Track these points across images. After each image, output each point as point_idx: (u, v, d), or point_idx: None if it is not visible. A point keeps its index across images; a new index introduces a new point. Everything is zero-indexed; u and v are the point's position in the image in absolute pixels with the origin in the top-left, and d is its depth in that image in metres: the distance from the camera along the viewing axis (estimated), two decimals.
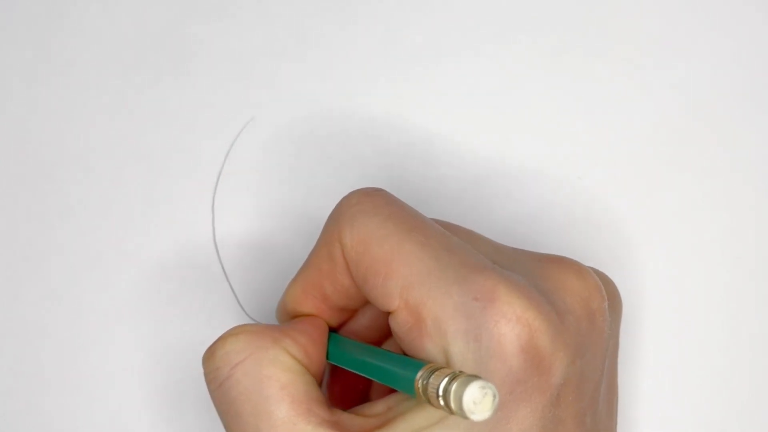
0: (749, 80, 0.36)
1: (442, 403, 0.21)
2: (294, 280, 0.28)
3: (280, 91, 0.36)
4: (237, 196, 0.35)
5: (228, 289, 0.35)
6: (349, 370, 0.27)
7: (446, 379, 0.21)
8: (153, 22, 0.37)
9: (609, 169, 0.35)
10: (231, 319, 0.34)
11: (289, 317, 0.28)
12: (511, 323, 0.23)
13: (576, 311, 0.24)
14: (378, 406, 0.25)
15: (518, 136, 0.36)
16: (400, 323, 0.24)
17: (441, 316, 0.23)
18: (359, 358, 0.26)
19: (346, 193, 0.34)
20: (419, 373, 0.22)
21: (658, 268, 0.35)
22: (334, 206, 0.27)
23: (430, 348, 0.24)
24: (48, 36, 0.37)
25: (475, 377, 0.20)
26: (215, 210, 0.35)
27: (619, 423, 0.28)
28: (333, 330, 0.28)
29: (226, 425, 0.25)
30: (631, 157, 0.35)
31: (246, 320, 0.34)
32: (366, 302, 0.27)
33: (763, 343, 0.34)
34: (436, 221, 0.27)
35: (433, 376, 0.21)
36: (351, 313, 0.28)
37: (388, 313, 0.25)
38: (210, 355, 0.26)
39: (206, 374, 0.26)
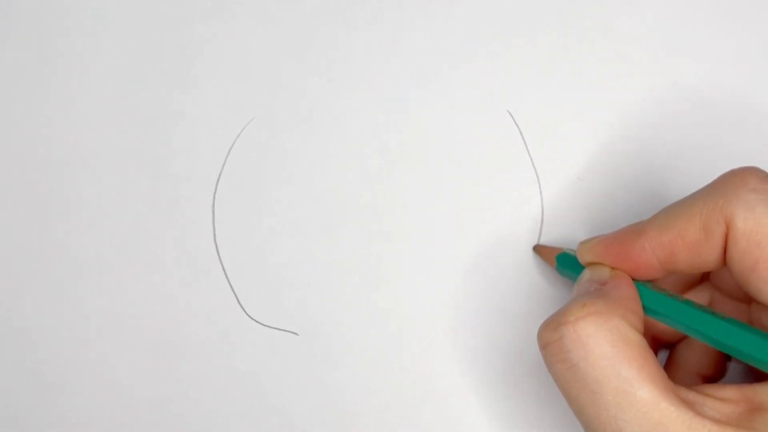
0: (749, 80, 0.36)
1: None
2: (638, 234, 0.27)
3: (280, 91, 0.36)
4: (237, 196, 0.35)
5: (228, 289, 0.35)
6: (692, 334, 0.26)
7: None
8: (154, 22, 0.37)
9: (609, 169, 0.35)
10: (231, 319, 0.34)
11: (601, 259, 0.28)
12: None
13: None
14: (730, 391, 0.25)
15: (518, 136, 0.36)
16: None
17: None
18: (720, 330, 0.25)
19: (345, 193, 0.34)
20: None
21: None
22: (717, 176, 0.26)
23: None
24: (49, 37, 0.37)
25: None
26: (215, 210, 0.35)
27: None
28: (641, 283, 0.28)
29: (577, 402, 0.25)
30: (631, 157, 0.35)
31: (246, 320, 0.34)
32: (697, 278, 0.27)
33: None
34: None
35: None
36: (667, 274, 0.28)
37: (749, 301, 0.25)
38: (558, 338, 0.25)
39: (553, 355, 0.25)
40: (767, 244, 0.24)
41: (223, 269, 0.35)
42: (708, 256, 0.26)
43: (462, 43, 0.37)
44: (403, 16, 0.37)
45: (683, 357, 0.30)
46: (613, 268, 0.28)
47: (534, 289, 0.34)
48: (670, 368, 0.30)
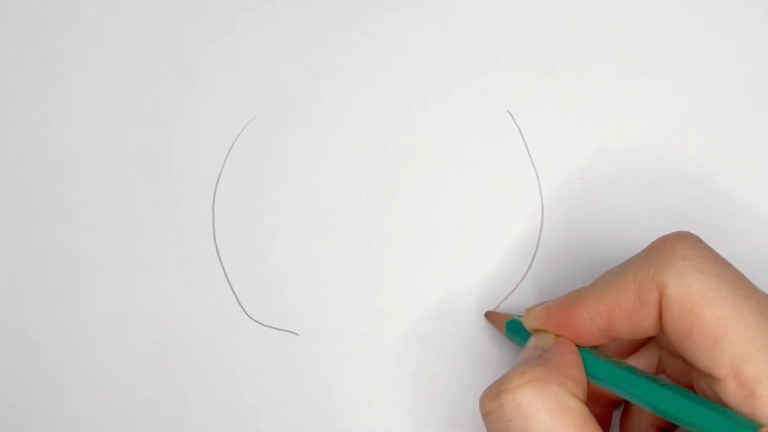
0: (749, 80, 0.36)
1: None
2: (577, 302, 0.28)
3: (280, 91, 0.36)
4: (237, 196, 0.35)
5: (228, 289, 0.35)
6: (636, 402, 0.26)
7: None
8: (154, 23, 0.37)
9: (609, 169, 0.35)
10: (231, 319, 0.34)
11: (545, 326, 0.28)
12: None
13: None
14: None
15: (517, 136, 0.36)
16: (727, 393, 0.24)
17: None
18: (661, 398, 0.25)
19: (345, 193, 0.34)
20: None
21: None
22: (647, 245, 0.26)
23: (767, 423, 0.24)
24: (49, 37, 0.37)
25: None
26: (215, 210, 0.35)
27: None
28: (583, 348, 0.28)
29: None
30: (631, 157, 0.35)
31: (246, 320, 0.34)
32: (643, 340, 0.27)
33: None
34: None
35: None
36: (609, 340, 0.28)
37: (696, 369, 0.25)
38: (498, 407, 0.25)
39: (494, 423, 0.25)
40: (699, 311, 0.24)
41: (223, 269, 0.35)
42: (645, 324, 0.26)
43: (462, 44, 0.37)
44: (403, 16, 0.37)
45: (637, 409, 0.30)
46: (557, 335, 0.28)
47: (534, 297, 0.34)
48: (626, 418, 0.30)
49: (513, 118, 0.36)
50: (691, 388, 0.27)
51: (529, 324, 0.29)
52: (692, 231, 0.35)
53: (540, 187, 0.35)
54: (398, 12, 0.37)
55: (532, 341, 0.29)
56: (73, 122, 0.36)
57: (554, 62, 0.36)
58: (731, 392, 0.24)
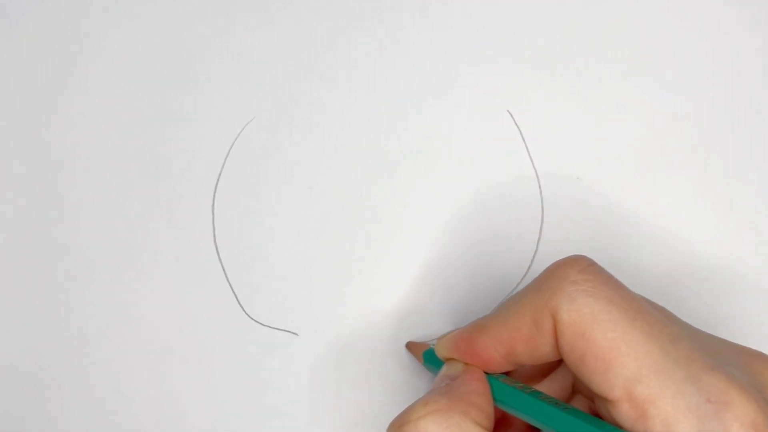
0: (749, 80, 0.36)
1: None
2: (481, 330, 0.28)
3: (280, 91, 0.36)
4: (237, 196, 0.35)
5: (228, 289, 0.35)
6: (538, 425, 0.27)
7: None
8: (154, 23, 0.37)
9: (609, 169, 0.35)
10: (231, 319, 0.34)
11: (453, 355, 0.29)
12: (745, 428, 0.23)
13: None
14: None
15: (517, 136, 0.36)
16: (621, 414, 0.24)
17: (672, 415, 0.23)
18: (560, 421, 0.26)
19: (345, 193, 0.34)
20: None
21: (658, 268, 0.35)
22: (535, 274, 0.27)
23: None
24: (49, 37, 0.37)
25: None
26: (215, 210, 0.35)
27: None
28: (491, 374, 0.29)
29: None
30: (631, 157, 0.35)
31: (246, 320, 0.34)
32: (555, 363, 0.28)
33: (764, 343, 0.34)
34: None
35: None
36: (515, 366, 0.29)
37: (593, 393, 0.25)
38: (399, 426, 0.26)
39: None
40: (590, 335, 0.25)
41: (223, 269, 0.35)
42: (544, 349, 0.26)
43: (462, 44, 0.37)
44: (402, 16, 0.37)
45: None
46: (466, 363, 0.28)
47: None
48: None
49: (513, 118, 0.36)
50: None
51: (440, 353, 0.30)
52: (692, 230, 0.35)
53: (540, 187, 0.35)
54: (398, 12, 0.37)
55: (443, 370, 0.29)
56: (73, 122, 0.36)
57: (554, 62, 0.36)
58: (624, 414, 0.24)
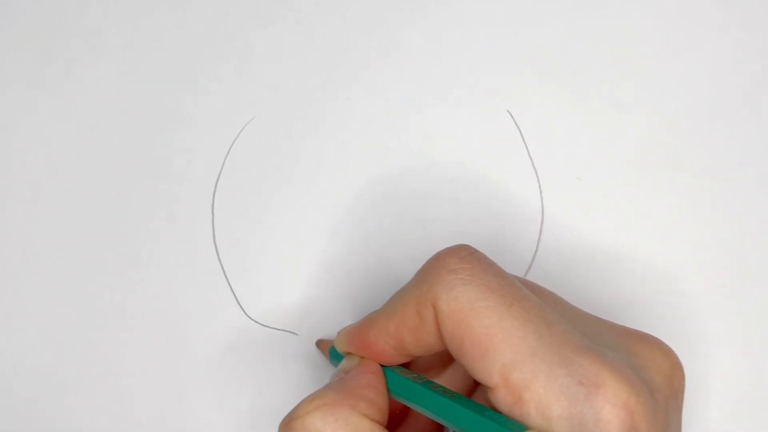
0: (749, 80, 0.36)
1: None
2: (370, 324, 0.28)
3: (280, 91, 0.36)
4: (237, 196, 0.35)
5: (228, 289, 0.35)
6: (428, 415, 0.27)
7: None
8: (154, 23, 0.37)
9: (609, 169, 0.35)
10: (231, 319, 0.34)
11: (349, 349, 0.29)
12: (617, 409, 0.23)
13: (664, 390, 0.25)
14: None
15: (517, 136, 0.36)
16: (499, 400, 0.24)
17: (545, 399, 0.24)
18: (445, 409, 0.26)
19: (345, 193, 0.34)
20: None
21: (658, 268, 0.35)
22: (422, 262, 0.27)
23: (533, 426, 0.24)
24: (49, 37, 0.37)
25: None
26: (215, 210, 0.35)
27: None
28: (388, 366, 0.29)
29: None
30: (631, 157, 0.35)
31: (246, 320, 0.34)
32: (447, 355, 0.27)
33: (764, 346, 0.34)
34: (519, 281, 0.27)
35: None
36: (407, 358, 0.29)
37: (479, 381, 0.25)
38: (287, 422, 0.25)
39: None
40: (469, 323, 0.25)
41: (223, 269, 0.35)
42: (429, 340, 0.26)
43: (462, 44, 0.37)
44: (402, 16, 0.37)
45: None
46: (362, 357, 0.28)
47: None
48: None
49: (513, 118, 0.36)
50: None
51: (338, 348, 0.30)
52: (692, 230, 0.35)
53: (540, 187, 0.35)
54: (398, 12, 0.37)
55: (341, 364, 0.29)
56: (73, 122, 0.36)
57: (554, 62, 0.36)
58: (502, 399, 0.24)
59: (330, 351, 0.31)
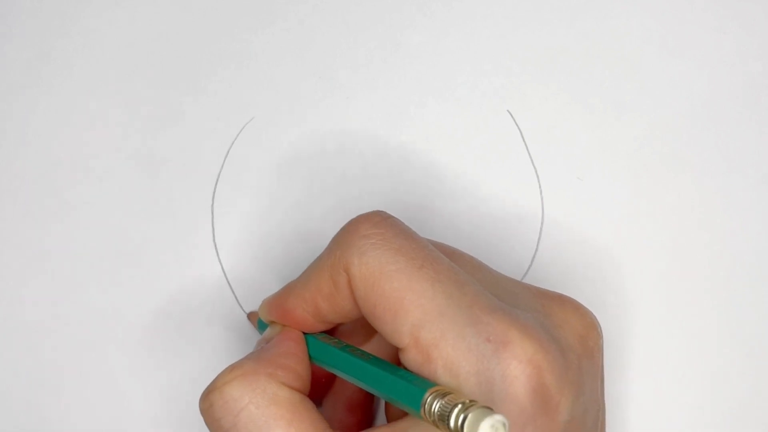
0: (749, 80, 0.36)
1: (451, 427, 0.21)
2: (289, 292, 0.28)
3: (280, 91, 0.36)
4: (237, 196, 0.35)
5: (228, 289, 0.35)
6: (346, 378, 0.27)
7: (460, 406, 0.21)
8: (153, 23, 0.37)
9: (609, 169, 0.35)
10: (231, 319, 0.34)
11: (271, 317, 0.29)
12: (523, 365, 0.23)
13: (577, 349, 0.25)
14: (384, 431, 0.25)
15: (517, 136, 0.36)
16: (409, 360, 0.24)
17: (453, 357, 0.24)
18: (360, 370, 0.26)
19: (344, 193, 0.34)
20: (428, 393, 0.22)
21: (658, 268, 0.35)
22: (337, 225, 0.27)
23: (441, 383, 0.24)
24: (49, 37, 0.37)
25: (490, 409, 0.21)
26: (215, 210, 0.35)
27: None
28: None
29: None
30: (631, 157, 0.35)
31: (246, 320, 0.34)
32: (357, 318, 0.28)
33: (761, 346, 0.34)
34: (435, 244, 0.27)
35: (444, 400, 0.22)
36: (338, 324, 0.29)
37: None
38: (209, 406, 0.25)
39: (208, 424, 0.26)
40: (380, 286, 0.25)
41: (223, 269, 0.35)
42: (345, 305, 0.26)
43: (462, 44, 0.37)
44: (402, 16, 0.37)
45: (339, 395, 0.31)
46: (284, 325, 0.28)
47: None
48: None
49: (513, 118, 0.36)
50: None
51: (261, 317, 0.29)
52: (691, 230, 0.35)
53: (540, 187, 0.35)
54: (398, 12, 0.37)
55: (264, 333, 0.29)
56: (73, 122, 0.36)
57: (554, 62, 0.36)
58: (412, 359, 0.24)
59: (258, 322, 0.31)
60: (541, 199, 0.35)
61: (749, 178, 0.35)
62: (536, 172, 0.35)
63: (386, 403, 0.30)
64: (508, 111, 0.36)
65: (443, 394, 0.22)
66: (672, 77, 0.36)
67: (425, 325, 0.24)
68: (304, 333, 0.28)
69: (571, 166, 0.35)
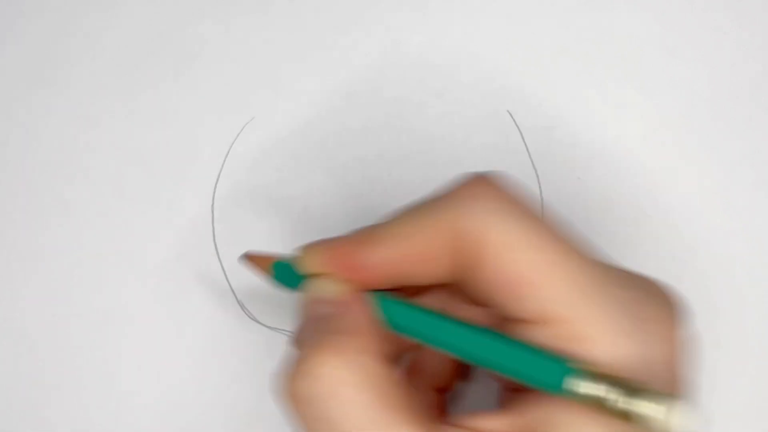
0: (748, 80, 0.36)
1: (639, 413, 0.20)
2: (372, 242, 0.24)
3: (280, 91, 0.36)
4: (237, 196, 0.35)
5: (228, 289, 0.35)
6: (445, 351, 0.23)
7: (645, 392, 0.20)
8: (153, 22, 0.37)
9: (609, 169, 0.35)
10: (231, 319, 0.34)
11: (328, 268, 0.24)
12: (673, 342, 0.23)
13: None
14: (500, 420, 0.23)
15: (517, 136, 0.36)
16: (547, 337, 0.22)
17: (601, 336, 0.22)
18: (475, 343, 0.23)
19: (344, 193, 0.34)
20: (588, 374, 0.21)
21: (658, 268, 0.34)
22: (441, 188, 0.24)
23: (597, 363, 0.22)
24: (48, 36, 0.37)
25: (672, 396, 0.20)
26: (215, 210, 0.35)
27: None
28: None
29: None
30: (630, 156, 0.35)
31: (246, 320, 0.34)
32: (424, 287, 0.25)
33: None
34: None
35: (607, 382, 0.21)
36: (399, 285, 0.25)
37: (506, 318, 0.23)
38: (300, 381, 0.22)
39: (297, 401, 0.22)
40: (506, 255, 0.23)
41: (223, 269, 0.35)
42: (438, 271, 0.24)
43: (462, 44, 0.37)
44: (402, 16, 0.37)
45: (419, 368, 0.28)
46: (340, 282, 0.24)
47: None
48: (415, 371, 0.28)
49: (513, 118, 0.36)
50: None
51: (308, 265, 0.25)
52: (691, 230, 0.35)
53: (540, 187, 0.35)
54: (398, 12, 0.37)
55: (315, 291, 0.25)
56: (72, 122, 0.36)
57: (554, 62, 0.36)
58: (551, 336, 0.22)
59: (276, 268, 0.26)
60: (541, 199, 0.35)
61: (749, 179, 0.35)
62: (536, 172, 0.35)
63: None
64: (508, 111, 0.36)
65: (608, 377, 0.21)
66: (672, 77, 0.36)
67: (565, 301, 0.22)
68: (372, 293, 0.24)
69: (571, 166, 0.35)
